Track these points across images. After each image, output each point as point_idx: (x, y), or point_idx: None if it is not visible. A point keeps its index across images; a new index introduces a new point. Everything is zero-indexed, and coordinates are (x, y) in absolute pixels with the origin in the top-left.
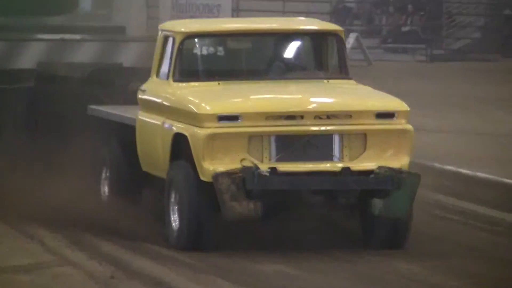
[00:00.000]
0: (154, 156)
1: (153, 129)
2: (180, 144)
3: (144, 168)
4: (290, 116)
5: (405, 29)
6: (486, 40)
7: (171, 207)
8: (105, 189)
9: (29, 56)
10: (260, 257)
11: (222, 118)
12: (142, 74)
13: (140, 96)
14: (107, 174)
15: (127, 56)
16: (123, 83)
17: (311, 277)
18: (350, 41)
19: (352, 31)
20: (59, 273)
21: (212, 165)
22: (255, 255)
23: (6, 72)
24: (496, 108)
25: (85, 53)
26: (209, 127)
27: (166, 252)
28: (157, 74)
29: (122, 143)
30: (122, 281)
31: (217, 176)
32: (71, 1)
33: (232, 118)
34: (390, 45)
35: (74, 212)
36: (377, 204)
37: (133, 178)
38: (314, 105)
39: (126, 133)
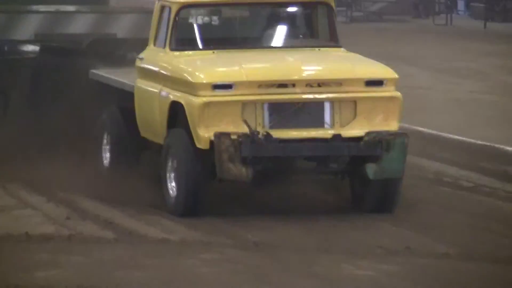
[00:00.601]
0: (152, 123)
1: (150, 96)
2: (176, 111)
3: (143, 134)
4: (282, 84)
5: None
6: (399, 3)
7: (168, 174)
8: (106, 154)
9: (26, 28)
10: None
11: (216, 86)
12: (138, 45)
13: (138, 64)
14: (108, 139)
15: (120, 27)
16: (121, 53)
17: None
18: None
19: None
20: (19, 215)
21: (207, 132)
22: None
23: (10, 42)
24: (405, 63)
25: (79, 24)
26: (204, 96)
27: (130, 204)
28: (155, 43)
29: (122, 109)
30: (77, 221)
31: (219, 135)
32: None
33: (226, 86)
34: None
35: (64, 175)
36: (372, 168)
37: (133, 143)
38: (305, 73)
39: (125, 98)
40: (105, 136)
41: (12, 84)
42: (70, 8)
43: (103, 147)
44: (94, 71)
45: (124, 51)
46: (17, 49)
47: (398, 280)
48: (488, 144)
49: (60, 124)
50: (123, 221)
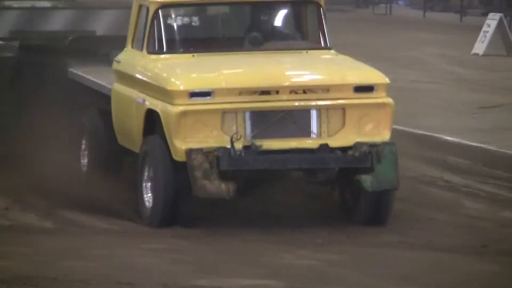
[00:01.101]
0: (128, 130)
1: (126, 102)
2: (153, 119)
3: (120, 141)
4: (265, 91)
5: None
6: None
7: (144, 184)
8: (84, 160)
9: (1, 25)
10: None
11: (194, 94)
12: (123, 42)
13: (114, 67)
14: (86, 144)
15: (100, 24)
16: (104, 52)
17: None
18: None
19: None
20: None
21: (185, 144)
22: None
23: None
24: (346, 53)
25: (56, 21)
26: (181, 104)
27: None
28: (132, 44)
29: (101, 112)
30: (16, 212)
31: (190, 151)
32: None
33: (205, 94)
34: None
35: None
36: (368, 179)
37: (113, 149)
38: (290, 79)
39: (104, 101)
40: (84, 141)
41: None
42: (46, 3)
43: (81, 152)
44: (73, 70)
45: (107, 49)
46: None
47: (339, 268)
48: (429, 133)
49: (41, 126)
50: (65, 212)
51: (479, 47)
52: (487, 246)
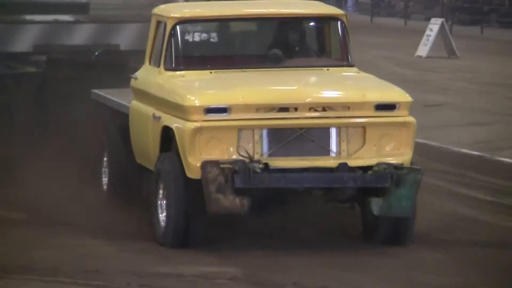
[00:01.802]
0: (145, 148)
1: (144, 119)
2: (169, 137)
3: (138, 159)
4: (283, 108)
5: None
6: None
7: (159, 202)
8: (106, 177)
9: (25, 39)
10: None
11: (209, 110)
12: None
13: (132, 85)
14: (107, 161)
15: (123, 38)
16: (132, 66)
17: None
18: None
19: None
20: None
21: (199, 161)
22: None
23: (13, 55)
24: None
25: (80, 35)
26: (196, 120)
27: None
28: (150, 61)
29: (120, 130)
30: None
31: (205, 164)
32: None
33: (221, 110)
34: None
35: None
36: (377, 203)
37: (132, 166)
38: (309, 96)
39: (123, 120)
40: (104, 158)
41: (17, 100)
42: (69, 18)
43: (103, 169)
44: (95, 91)
45: (134, 64)
46: (19, 61)
47: None
48: None
49: (66, 142)
50: (33, 203)
51: (423, 50)
52: (430, 235)
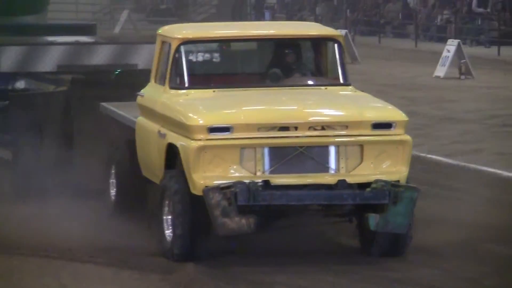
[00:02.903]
0: (151, 163)
1: (150, 135)
2: (174, 153)
3: (144, 173)
4: (284, 127)
5: (162, 6)
6: (219, 14)
7: (164, 218)
8: (113, 190)
9: (49, 60)
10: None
11: (213, 129)
12: None
13: (138, 102)
14: (114, 174)
15: (141, 58)
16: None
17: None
18: (124, 15)
19: (124, 8)
20: None
21: (203, 179)
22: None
23: (39, 75)
24: None
25: (100, 55)
26: (200, 139)
27: None
28: (155, 79)
29: (128, 144)
30: None
31: (207, 191)
32: (40, 1)
33: (224, 129)
34: (152, 18)
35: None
36: (375, 218)
37: (139, 179)
38: (309, 115)
39: (131, 134)
40: (112, 171)
41: (46, 118)
42: (88, 39)
43: (110, 181)
44: (104, 104)
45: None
46: (45, 81)
47: None
48: None
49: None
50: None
51: None
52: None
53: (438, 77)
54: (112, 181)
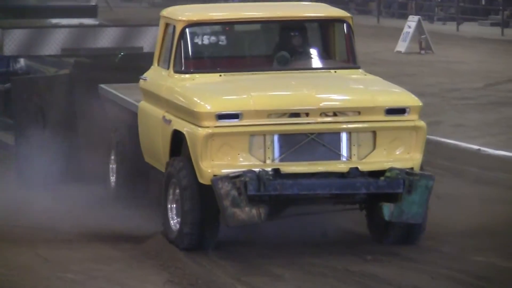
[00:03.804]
0: (154, 149)
1: (153, 121)
2: (180, 140)
3: (146, 159)
4: (295, 114)
5: None
6: None
7: (169, 205)
8: (113, 175)
9: (53, 43)
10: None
11: (221, 116)
12: None
13: (141, 86)
14: (115, 159)
15: (147, 41)
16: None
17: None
18: None
19: None
20: None
21: (211, 167)
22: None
23: (42, 58)
24: None
25: (105, 38)
26: (208, 126)
27: None
28: (158, 63)
29: (128, 128)
30: None
31: (216, 180)
32: None
33: (232, 116)
34: None
35: None
36: (389, 208)
37: (138, 166)
38: (320, 101)
39: (131, 118)
40: (112, 156)
41: (49, 101)
42: (93, 22)
43: (110, 166)
44: (103, 86)
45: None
46: (48, 64)
47: None
48: None
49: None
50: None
51: None
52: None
53: (399, 52)
54: (112, 166)
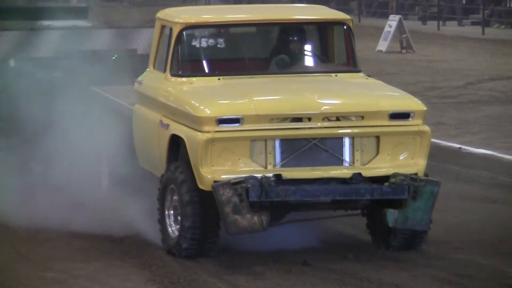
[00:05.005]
0: (150, 153)
1: (149, 125)
2: (178, 145)
3: (141, 164)
4: (296, 118)
5: None
6: None
7: (166, 212)
8: (105, 174)
9: (47, 45)
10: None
11: (222, 121)
12: None
13: (136, 89)
14: (106, 164)
15: (140, 42)
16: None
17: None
18: None
19: None
20: None
21: (211, 173)
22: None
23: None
24: None
25: (99, 40)
26: (208, 131)
27: None
28: (154, 65)
29: (120, 131)
30: None
31: (217, 186)
32: None
33: (233, 121)
34: None
35: None
36: (393, 215)
37: (131, 172)
38: (322, 106)
39: (124, 122)
40: (103, 159)
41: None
42: (86, 23)
43: (102, 170)
44: (94, 88)
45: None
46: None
47: None
48: None
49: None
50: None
51: None
52: None
53: (380, 51)
54: (104, 170)
